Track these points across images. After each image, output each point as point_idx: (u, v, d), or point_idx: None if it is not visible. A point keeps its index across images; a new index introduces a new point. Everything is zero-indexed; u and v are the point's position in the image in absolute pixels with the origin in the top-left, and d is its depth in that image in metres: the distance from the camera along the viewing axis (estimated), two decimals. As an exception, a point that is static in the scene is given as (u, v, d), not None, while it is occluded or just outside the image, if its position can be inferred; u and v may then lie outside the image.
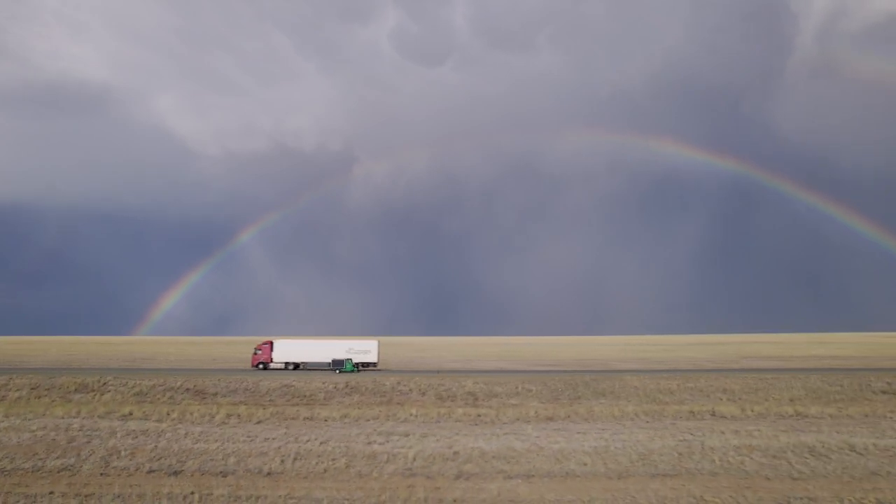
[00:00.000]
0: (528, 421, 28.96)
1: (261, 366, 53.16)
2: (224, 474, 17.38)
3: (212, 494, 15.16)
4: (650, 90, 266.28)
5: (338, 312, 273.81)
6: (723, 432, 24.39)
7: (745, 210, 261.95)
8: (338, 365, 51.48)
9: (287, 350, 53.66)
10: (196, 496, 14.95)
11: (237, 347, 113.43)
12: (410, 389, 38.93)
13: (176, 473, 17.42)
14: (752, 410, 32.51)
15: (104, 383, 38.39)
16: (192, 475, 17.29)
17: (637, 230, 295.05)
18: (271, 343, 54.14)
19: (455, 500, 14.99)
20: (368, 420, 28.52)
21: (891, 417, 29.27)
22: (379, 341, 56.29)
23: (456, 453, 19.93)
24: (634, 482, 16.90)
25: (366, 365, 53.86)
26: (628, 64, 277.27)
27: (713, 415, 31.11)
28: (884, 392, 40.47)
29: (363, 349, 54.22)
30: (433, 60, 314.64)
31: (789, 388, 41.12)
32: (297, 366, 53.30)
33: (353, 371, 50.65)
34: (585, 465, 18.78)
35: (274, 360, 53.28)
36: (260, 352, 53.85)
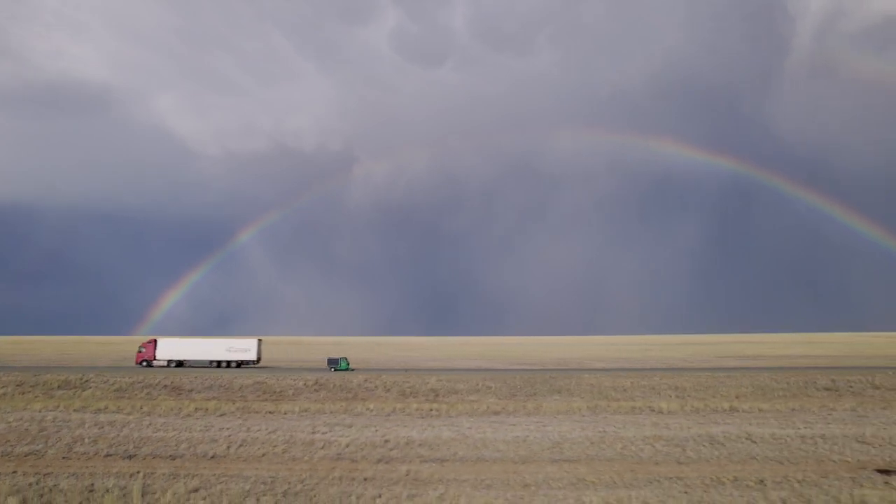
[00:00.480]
0: (476, 415, 31.06)
1: (144, 363, 55.48)
2: (173, 457, 19.56)
3: (154, 473, 17.32)
4: (649, 90, 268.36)
5: (337, 312, 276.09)
6: (643, 425, 26.52)
7: (743, 209, 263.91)
8: (333, 363, 53.81)
9: (170, 348, 55.96)
10: (140, 474, 17.12)
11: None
12: (376, 386, 41.06)
13: (130, 457, 19.61)
14: (692, 406, 34.61)
15: (86, 380, 40.58)
16: (143, 458, 19.46)
17: (636, 230, 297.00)
18: (155, 341, 56.60)
19: (366, 479, 17.13)
20: (325, 413, 30.67)
21: (811, 411, 31.42)
22: (260, 340, 59.01)
23: (386, 441, 22.10)
24: (534, 466, 19.04)
25: (245, 362, 56.39)
26: (627, 64, 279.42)
27: (652, 410, 33.21)
28: (826, 389, 42.55)
29: (243, 348, 56.83)
30: (433, 61, 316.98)
31: (738, 385, 43.18)
32: (180, 363, 55.63)
33: (347, 370, 52.62)
34: (499, 451, 20.94)
35: (157, 357, 55.49)
36: (144, 350, 56.08)
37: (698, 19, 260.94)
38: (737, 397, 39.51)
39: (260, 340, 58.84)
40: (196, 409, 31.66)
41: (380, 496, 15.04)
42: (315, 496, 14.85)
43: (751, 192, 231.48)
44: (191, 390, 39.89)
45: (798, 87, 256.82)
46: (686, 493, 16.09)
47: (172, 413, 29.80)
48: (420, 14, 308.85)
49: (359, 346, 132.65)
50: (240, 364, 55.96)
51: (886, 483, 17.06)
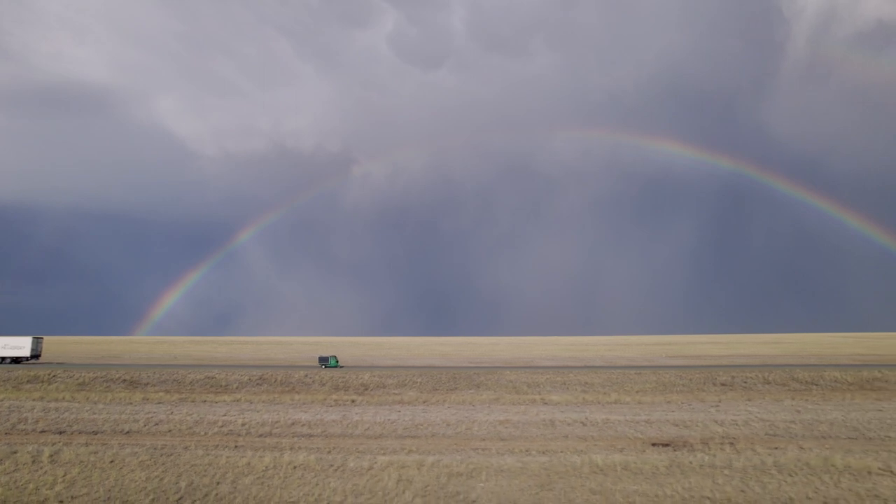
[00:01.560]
0: (387, 404, 35.76)
1: None
2: (95, 433, 24.29)
3: (72, 443, 22.05)
4: (642, 93, 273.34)
5: (335, 312, 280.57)
6: (506, 411, 31.24)
7: (737, 211, 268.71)
8: (323, 361, 59.47)
9: None
10: (61, 444, 21.83)
11: (210, 346, 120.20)
12: (314, 381, 45.77)
13: (60, 432, 24.34)
14: (582, 399, 39.30)
15: (53, 375, 45.30)
16: (70, 433, 24.19)
17: (630, 231, 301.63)
18: None
19: (237, 446, 21.83)
20: (253, 403, 35.38)
21: (676, 402, 36.13)
22: (39, 338, 64.92)
23: (276, 422, 26.84)
24: (382, 440, 23.74)
25: (19, 359, 61.97)
26: (620, 68, 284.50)
27: (545, 402, 37.88)
28: (723, 384, 47.16)
29: (17, 345, 62.65)
30: (431, 63, 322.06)
31: (644, 381, 47.80)
32: None
33: (336, 366, 57.78)
34: (366, 429, 25.64)
35: None
36: None
37: (692, 24, 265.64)
38: (638, 391, 44.15)
39: (38, 338, 64.95)
40: (143, 399, 36.39)
41: (228, 454, 19.74)
42: (180, 455, 19.57)
43: (744, 192, 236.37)
44: (146, 384, 44.61)
45: (792, 90, 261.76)
46: (482, 455, 20.76)
47: (119, 402, 34.53)
48: (418, 17, 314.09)
49: (356, 346, 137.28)
50: (16, 360, 61.88)
51: (643, 451, 21.73)
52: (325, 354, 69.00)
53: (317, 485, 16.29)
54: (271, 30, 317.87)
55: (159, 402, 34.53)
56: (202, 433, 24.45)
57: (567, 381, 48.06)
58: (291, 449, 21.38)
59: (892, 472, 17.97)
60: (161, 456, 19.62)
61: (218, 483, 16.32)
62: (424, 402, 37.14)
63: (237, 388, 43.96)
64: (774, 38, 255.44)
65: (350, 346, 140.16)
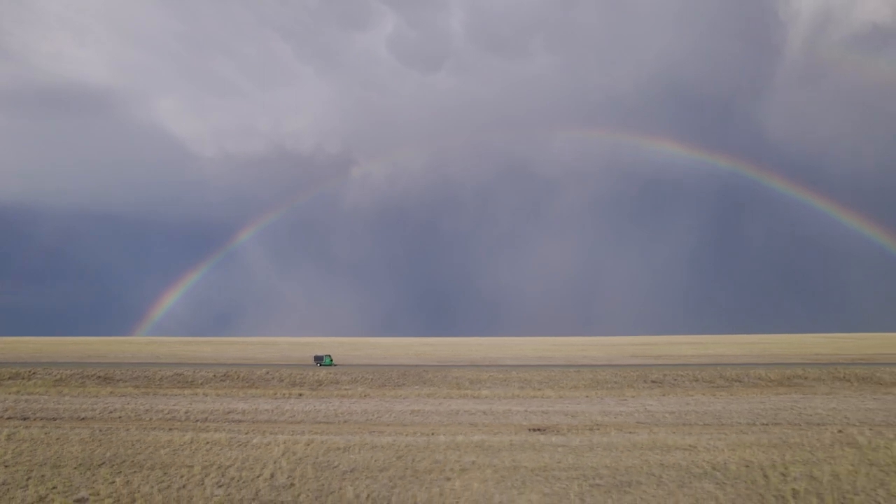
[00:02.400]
0: (334, 397, 39.74)
1: None
2: (54, 419, 28.27)
3: (31, 426, 26.03)
4: (642, 93, 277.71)
5: (334, 312, 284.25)
6: (426, 402, 35.20)
7: (736, 212, 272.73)
8: (318, 360, 63.59)
9: None
10: (21, 427, 25.82)
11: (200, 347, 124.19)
12: (273, 377, 49.77)
13: (24, 419, 28.34)
14: (511, 394, 43.23)
15: (34, 373, 49.34)
16: (33, 419, 28.18)
17: (629, 232, 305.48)
18: None
19: (171, 428, 25.78)
20: (209, 396, 39.37)
21: (597, 397, 40.09)
22: None
23: (215, 410, 30.83)
24: (299, 425, 27.71)
25: None
26: (620, 69, 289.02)
27: (475, 397, 41.81)
28: (653, 381, 51.08)
29: None
30: (430, 65, 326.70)
31: (580, 379, 51.72)
32: None
33: (330, 365, 61.96)
34: (290, 417, 29.60)
35: None
36: None
37: (689, 28, 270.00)
38: (565, 388, 48.04)
39: None
40: (110, 393, 40.38)
41: (159, 434, 23.73)
42: (117, 434, 23.56)
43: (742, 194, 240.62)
44: (119, 380, 48.63)
45: (790, 92, 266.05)
46: (371, 436, 24.69)
47: (88, 395, 38.54)
48: (418, 20, 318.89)
49: (351, 346, 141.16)
50: None
51: (515, 434, 25.65)
52: (319, 354, 73.25)
53: (217, 454, 20.25)
54: (271, 31, 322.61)
55: (123, 395, 38.53)
56: (147, 419, 28.45)
57: (508, 378, 51.99)
58: (216, 430, 25.36)
59: (695, 447, 21.89)
60: (101, 435, 23.61)
61: (138, 454, 20.29)
62: (365, 396, 41.10)
63: (202, 383, 47.97)
64: (771, 41, 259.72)
65: (337, 346, 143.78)
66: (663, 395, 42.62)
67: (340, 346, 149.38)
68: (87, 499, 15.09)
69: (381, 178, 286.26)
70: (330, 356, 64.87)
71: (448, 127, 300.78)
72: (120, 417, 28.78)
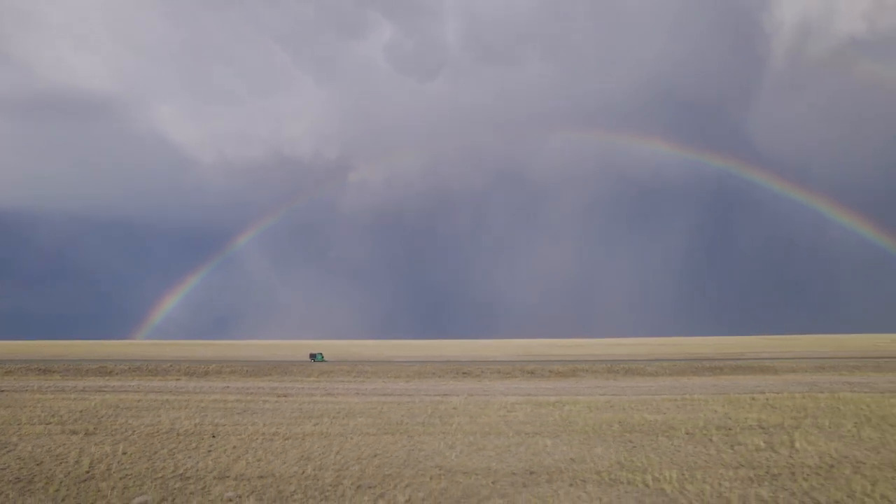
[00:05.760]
0: (322, 383, 45.05)
1: None
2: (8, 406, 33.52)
3: (20, 420, 31.28)
4: (634, 103, 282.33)
5: (333, 315, 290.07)
6: (361, 388, 40.27)
7: (728, 215, 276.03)
8: (312, 356, 69.80)
9: None
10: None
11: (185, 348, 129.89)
12: (223, 370, 55.19)
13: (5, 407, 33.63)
14: (421, 381, 48.14)
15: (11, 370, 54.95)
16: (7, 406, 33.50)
17: (624, 235, 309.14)
18: None
19: (121, 411, 30.92)
20: (167, 383, 44.66)
21: (486, 382, 44.90)
22: None
23: (159, 391, 36.01)
24: (207, 395, 32.78)
25: None
26: (612, 76, 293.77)
27: (395, 382, 46.81)
28: (552, 372, 55.49)
29: None
30: (426, 73, 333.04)
31: (511, 370, 56.43)
32: None
33: (322, 361, 67.36)
34: (204, 387, 34.72)
35: None
36: None
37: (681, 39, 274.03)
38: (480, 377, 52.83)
39: None
40: (50, 378, 45.92)
41: (91, 418, 28.86)
42: (88, 418, 28.74)
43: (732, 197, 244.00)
44: (55, 371, 54.05)
45: (776, 100, 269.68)
46: (353, 396, 29.63)
47: (26, 380, 44.09)
48: (414, 29, 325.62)
49: (345, 347, 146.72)
50: None
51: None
52: (313, 351, 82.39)
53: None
54: (270, 39, 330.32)
55: (62, 380, 44.32)
56: (97, 400, 33.69)
57: (451, 369, 56.91)
58: (151, 413, 30.53)
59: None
60: (69, 414, 28.86)
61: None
62: (347, 382, 46.60)
63: (165, 371, 53.44)
64: (756, 52, 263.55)
65: (330, 347, 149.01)
66: (540, 378, 47.25)
67: (333, 347, 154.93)
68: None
69: (379, 183, 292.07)
70: (322, 353, 71.99)
71: (444, 133, 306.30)
72: (74, 399, 34.08)
